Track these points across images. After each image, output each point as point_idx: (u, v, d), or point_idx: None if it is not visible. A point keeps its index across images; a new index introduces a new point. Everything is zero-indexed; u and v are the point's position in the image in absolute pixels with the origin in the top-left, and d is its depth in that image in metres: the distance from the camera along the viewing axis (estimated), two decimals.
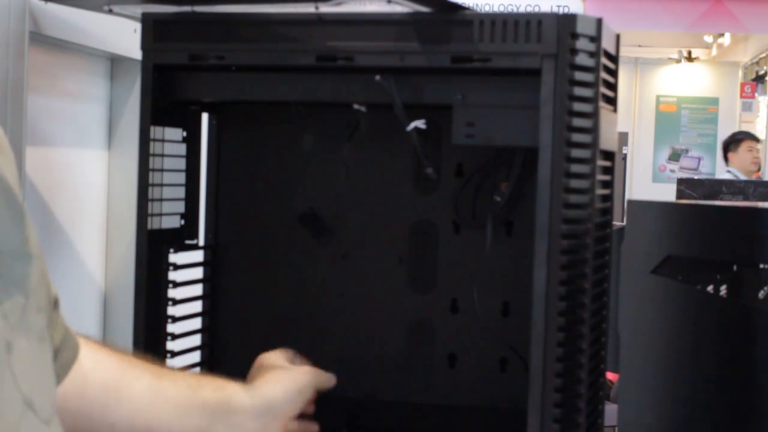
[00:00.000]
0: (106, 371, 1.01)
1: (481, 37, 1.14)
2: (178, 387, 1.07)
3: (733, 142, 6.45)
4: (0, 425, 0.70)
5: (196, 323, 1.45)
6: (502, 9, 6.45)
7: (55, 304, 0.90)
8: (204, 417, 1.08)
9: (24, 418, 0.72)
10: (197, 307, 1.45)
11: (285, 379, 1.18)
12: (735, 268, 1.41)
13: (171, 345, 1.36)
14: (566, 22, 1.13)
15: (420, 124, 1.21)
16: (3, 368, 0.70)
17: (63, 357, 0.92)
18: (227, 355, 1.47)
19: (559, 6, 6.53)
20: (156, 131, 1.30)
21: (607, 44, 1.20)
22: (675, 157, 10.65)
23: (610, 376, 3.18)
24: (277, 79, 1.26)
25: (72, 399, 0.96)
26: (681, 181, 4.58)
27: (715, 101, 10.63)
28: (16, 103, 1.35)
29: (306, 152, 1.41)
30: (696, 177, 9.36)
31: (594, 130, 1.15)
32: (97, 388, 0.99)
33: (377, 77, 1.18)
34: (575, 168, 1.14)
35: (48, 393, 0.76)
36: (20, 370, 0.72)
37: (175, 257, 1.36)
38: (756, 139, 6.62)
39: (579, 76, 1.13)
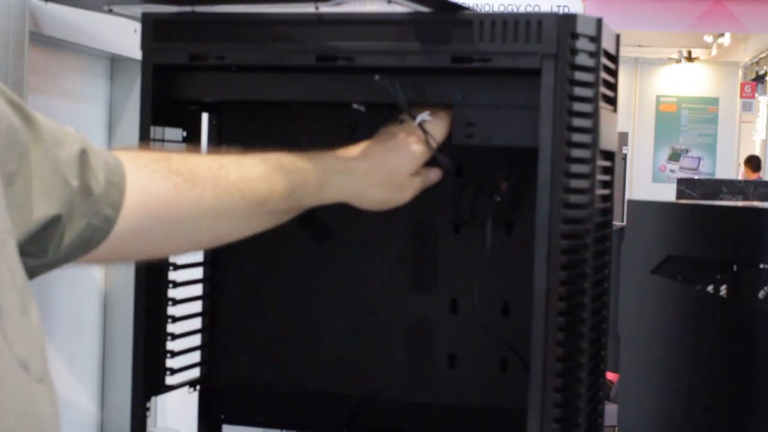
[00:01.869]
0: (161, 194, 1.00)
1: (481, 37, 1.14)
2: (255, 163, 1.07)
3: None
4: (3, 392, 0.70)
5: (196, 323, 1.45)
6: (502, 9, 6.45)
7: (82, 153, 0.90)
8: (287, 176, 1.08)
9: (22, 381, 0.72)
10: (197, 307, 1.45)
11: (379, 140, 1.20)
12: (735, 268, 1.41)
13: (171, 345, 1.36)
14: (566, 22, 1.13)
15: (425, 116, 1.21)
16: None
17: (112, 194, 0.93)
18: (227, 355, 1.47)
19: (559, 6, 6.53)
20: (156, 131, 1.30)
21: (607, 44, 1.20)
22: (675, 157, 10.66)
23: (610, 376, 3.18)
24: (277, 79, 1.26)
25: (138, 219, 0.97)
26: (681, 181, 4.58)
27: (715, 101, 10.64)
28: None
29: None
30: (696, 177, 9.37)
31: (594, 130, 1.15)
32: (158, 208, 0.99)
33: (376, 77, 1.18)
34: (575, 168, 1.14)
35: (37, 349, 0.76)
36: (12, 332, 0.72)
37: (175, 257, 1.36)
38: None
39: (579, 76, 1.13)
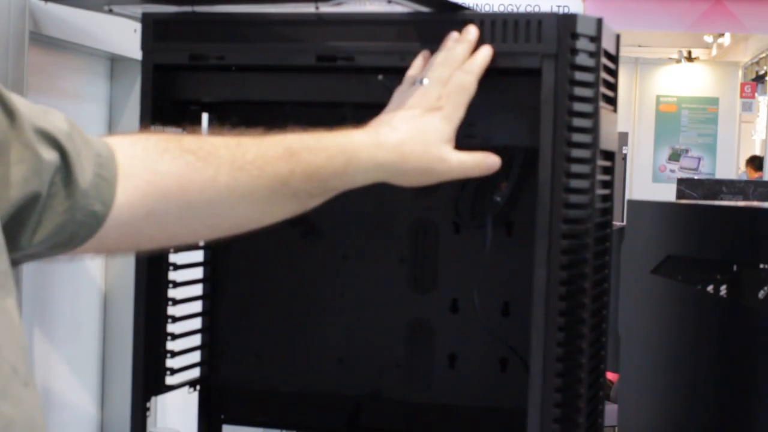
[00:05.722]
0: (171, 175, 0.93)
1: (481, 37, 1.14)
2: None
3: None
4: (8, 402, 0.70)
5: (196, 323, 1.45)
6: (502, 9, 6.44)
7: (67, 139, 0.84)
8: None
9: (16, 386, 0.72)
10: (197, 307, 1.45)
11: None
12: (735, 268, 1.41)
13: (171, 345, 1.36)
14: (566, 22, 1.13)
15: None
16: None
17: (102, 188, 0.87)
18: (227, 355, 1.47)
19: (559, 6, 6.53)
20: (156, 131, 1.30)
21: (607, 44, 1.20)
22: (675, 157, 10.65)
23: (610, 376, 3.18)
24: (277, 79, 1.26)
25: (148, 201, 0.90)
26: (681, 181, 4.57)
27: (715, 101, 10.63)
28: None
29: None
30: (696, 177, 9.37)
31: (594, 130, 1.15)
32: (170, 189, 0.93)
33: (380, 76, 1.18)
34: (575, 168, 1.14)
35: (24, 354, 0.75)
36: (2, 338, 0.71)
37: (175, 257, 1.36)
38: None
39: (579, 76, 1.13)
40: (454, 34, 1.13)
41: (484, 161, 1.11)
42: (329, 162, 1.00)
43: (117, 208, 0.88)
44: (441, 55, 1.12)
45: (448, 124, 1.08)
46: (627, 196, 7.85)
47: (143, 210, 0.91)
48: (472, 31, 1.13)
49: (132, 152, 0.91)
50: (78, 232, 0.87)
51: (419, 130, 1.06)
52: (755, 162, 9.50)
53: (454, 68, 1.11)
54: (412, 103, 1.09)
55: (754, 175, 9.13)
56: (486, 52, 1.12)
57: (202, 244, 1.45)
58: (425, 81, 1.10)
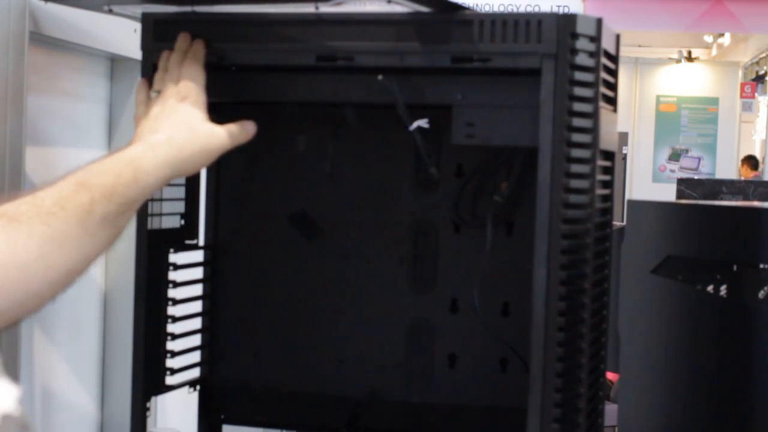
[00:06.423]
0: None
1: (481, 37, 1.14)
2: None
3: None
4: None
5: (196, 323, 1.45)
6: (502, 9, 6.44)
7: None
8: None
9: None
10: (197, 307, 1.45)
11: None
12: (735, 268, 1.42)
13: (171, 345, 1.36)
14: (566, 22, 1.13)
15: (423, 123, 1.21)
16: None
17: None
18: (227, 355, 1.47)
19: (559, 6, 6.53)
20: None
21: (607, 44, 1.19)
22: (675, 157, 10.65)
23: (610, 376, 3.18)
24: (277, 79, 1.26)
25: None
26: (681, 181, 4.58)
27: (715, 101, 10.63)
28: (16, 103, 1.35)
29: (302, 152, 1.41)
30: (696, 177, 9.37)
31: (594, 130, 1.15)
32: None
33: (380, 77, 1.18)
34: (575, 168, 1.14)
35: None
36: None
37: (175, 257, 1.36)
38: None
39: (579, 76, 1.13)
40: (165, 53, 1.23)
41: (244, 126, 1.21)
42: (120, 178, 1.07)
43: None
44: (159, 71, 1.23)
45: (198, 108, 1.18)
46: (627, 196, 7.85)
47: None
48: (180, 40, 1.23)
49: None
50: None
51: (177, 121, 1.16)
52: (751, 161, 9.50)
53: (177, 69, 1.21)
54: (156, 111, 1.18)
55: (750, 175, 9.13)
56: (197, 46, 1.22)
57: (201, 243, 1.46)
58: (157, 92, 1.21)
